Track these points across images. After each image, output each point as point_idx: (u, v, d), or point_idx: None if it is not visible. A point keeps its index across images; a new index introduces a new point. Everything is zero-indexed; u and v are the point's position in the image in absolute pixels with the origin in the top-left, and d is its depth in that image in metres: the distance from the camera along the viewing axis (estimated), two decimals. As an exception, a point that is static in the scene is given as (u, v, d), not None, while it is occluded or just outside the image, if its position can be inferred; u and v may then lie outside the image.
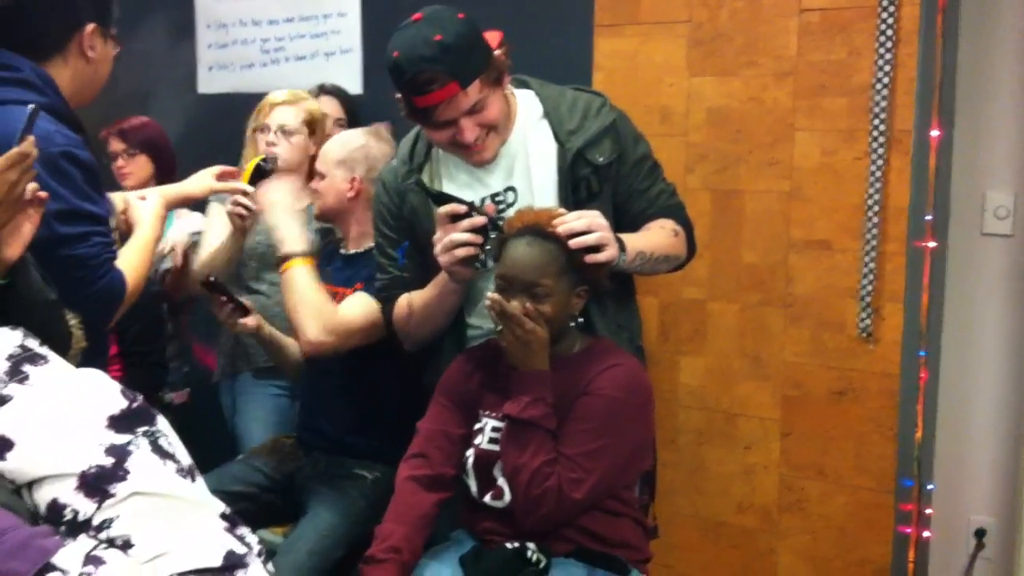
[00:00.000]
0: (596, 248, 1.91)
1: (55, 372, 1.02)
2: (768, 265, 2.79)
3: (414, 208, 2.15)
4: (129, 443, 0.98)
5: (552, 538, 1.96)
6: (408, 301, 2.18)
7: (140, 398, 1.02)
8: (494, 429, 2.00)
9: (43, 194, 1.54)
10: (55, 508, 0.95)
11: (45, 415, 0.98)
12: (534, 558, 1.93)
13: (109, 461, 0.97)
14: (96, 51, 2.04)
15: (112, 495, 0.95)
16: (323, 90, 3.27)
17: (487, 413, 2.03)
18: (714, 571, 2.93)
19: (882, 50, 2.59)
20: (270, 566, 0.98)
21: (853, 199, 2.67)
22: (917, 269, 2.65)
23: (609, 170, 2.11)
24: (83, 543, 0.92)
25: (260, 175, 2.53)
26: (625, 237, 1.99)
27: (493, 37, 2.02)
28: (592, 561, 1.96)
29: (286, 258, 2.31)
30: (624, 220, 2.13)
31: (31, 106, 1.55)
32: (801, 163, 2.72)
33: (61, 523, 0.94)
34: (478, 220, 1.97)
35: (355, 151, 2.49)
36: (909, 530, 2.72)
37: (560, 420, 1.93)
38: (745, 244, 2.81)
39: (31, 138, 1.48)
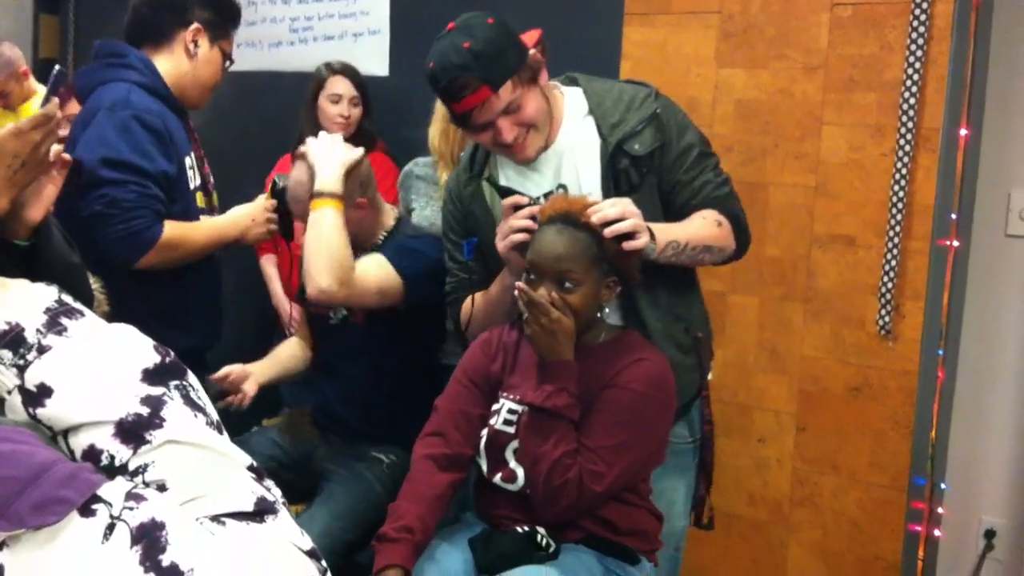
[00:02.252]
0: (630, 236, 1.92)
1: (91, 326, 1.06)
2: (791, 259, 2.79)
3: (475, 214, 2.20)
4: (163, 394, 1.03)
5: (565, 525, 1.96)
6: (471, 299, 2.22)
7: (172, 353, 1.06)
8: (510, 411, 2.00)
9: (67, 156, 1.55)
10: (92, 453, 0.99)
11: (83, 365, 1.02)
12: (544, 542, 1.93)
13: (145, 410, 1.01)
14: (199, 50, 2.45)
15: (148, 442, 0.99)
16: (332, 69, 3.27)
17: (506, 395, 2.04)
18: (724, 563, 2.94)
19: (914, 46, 2.58)
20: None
21: (878, 195, 2.66)
22: (939, 268, 2.64)
23: (650, 161, 2.09)
24: (123, 482, 0.97)
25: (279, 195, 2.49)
26: (656, 227, 1.98)
27: (531, 36, 2.05)
28: (603, 549, 1.97)
29: (318, 195, 2.26)
30: (670, 212, 2.12)
31: (56, 68, 1.58)
32: (828, 158, 2.71)
33: (98, 468, 0.98)
34: (535, 208, 2.01)
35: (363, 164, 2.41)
36: (920, 528, 2.72)
37: (583, 411, 1.92)
38: (768, 237, 2.80)
39: (55, 100, 1.49)
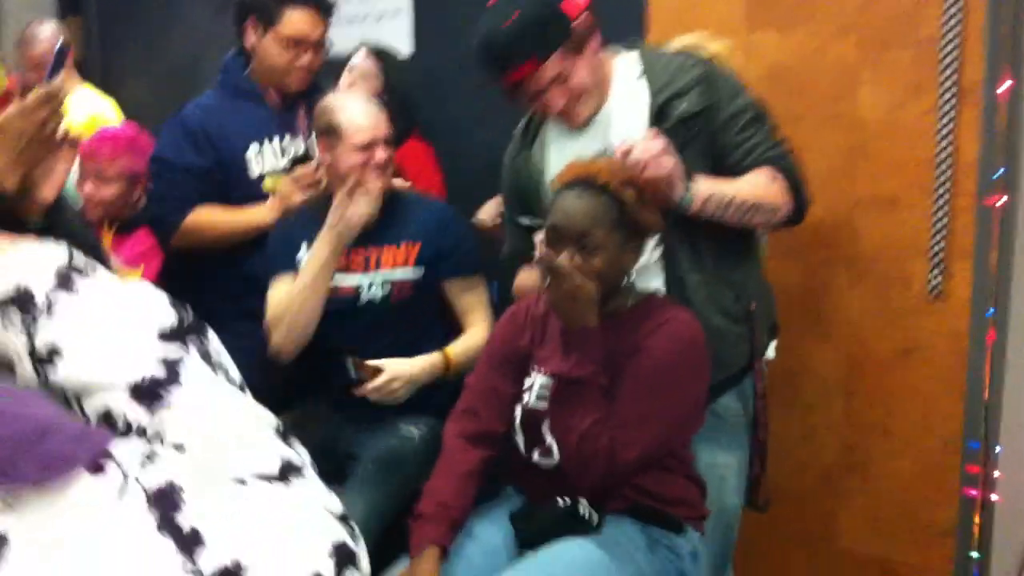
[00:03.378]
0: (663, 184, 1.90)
1: (104, 283, 1.02)
2: (832, 223, 2.73)
3: (526, 183, 2.23)
4: (181, 353, 0.99)
5: (606, 495, 1.93)
6: (530, 275, 2.26)
7: (190, 310, 1.02)
8: (542, 386, 1.98)
9: (76, 133, 1.56)
10: (108, 417, 0.96)
11: (95, 325, 0.98)
12: (586, 515, 1.92)
13: (161, 371, 0.97)
14: (253, 41, 2.71)
15: (165, 403, 0.96)
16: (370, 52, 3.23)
17: (537, 369, 2.02)
18: (772, 533, 2.90)
19: (950, -1, 2.50)
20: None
21: (920, 154, 2.59)
22: (986, 225, 2.57)
23: (697, 122, 2.06)
24: (139, 443, 0.94)
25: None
26: (700, 181, 1.95)
27: (576, 4, 2.03)
28: (647, 519, 1.95)
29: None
30: (720, 175, 2.08)
31: (60, 41, 1.63)
32: (866, 118, 2.65)
33: (115, 431, 0.95)
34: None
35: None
36: (975, 493, 2.65)
37: (611, 379, 1.89)
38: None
39: (60, 77, 1.49)
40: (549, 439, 1.95)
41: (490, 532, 1.97)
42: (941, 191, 2.58)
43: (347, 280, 2.44)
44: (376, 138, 2.41)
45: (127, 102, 3.84)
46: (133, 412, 0.95)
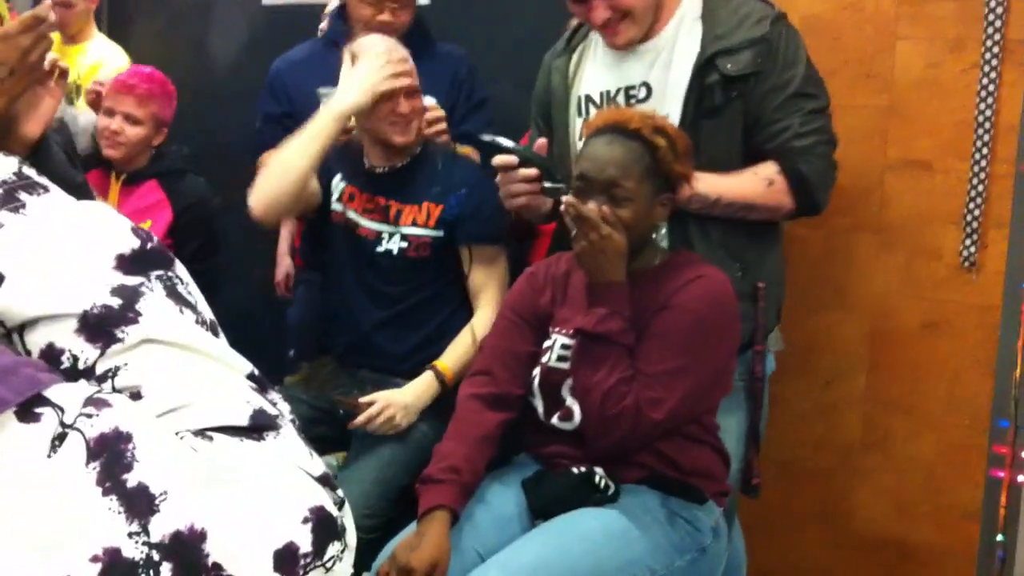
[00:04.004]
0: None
1: (56, 203, 0.85)
2: (861, 187, 2.60)
3: (552, 88, 2.15)
4: (141, 284, 0.82)
5: (624, 463, 1.83)
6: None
7: (156, 239, 0.85)
8: (564, 347, 1.87)
9: (64, 64, 1.44)
10: (51, 353, 0.79)
11: (43, 248, 0.80)
12: (602, 484, 1.81)
13: (116, 302, 0.79)
14: None
15: (119, 340, 0.79)
16: None
17: (558, 330, 1.90)
18: (787, 512, 2.78)
19: (997, -51, 2.37)
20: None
21: (959, 115, 2.45)
22: (1024, 194, 2.44)
23: (742, 85, 1.94)
24: (84, 385, 0.76)
25: None
26: (697, 176, 1.87)
27: None
28: (667, 489, 1.83)
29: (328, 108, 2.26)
30: (747, 151, 1.99)
31: None
32: (902, 76, 2.51)
33: (58, 371, 0.78)
34: (530, 173, 1.92)
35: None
36: (1003, 474, 2.54)
37: (638, 337, 1.79)
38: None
39: (48, 2, 1.37)
40: (570, 401, 1.85)
41: (503, 499, 1.86)
42: (978, 156, 2.46)
43: (368, 224, 2.37)
44: (407, 81, 2.27)
45: (133, 50, 3.70)
46: (80, 348, 0.78)
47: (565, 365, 1.85)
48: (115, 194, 2.80)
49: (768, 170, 1.97)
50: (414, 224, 2.34)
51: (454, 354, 2.29)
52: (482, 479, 1.86)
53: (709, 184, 1.91)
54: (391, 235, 2.35)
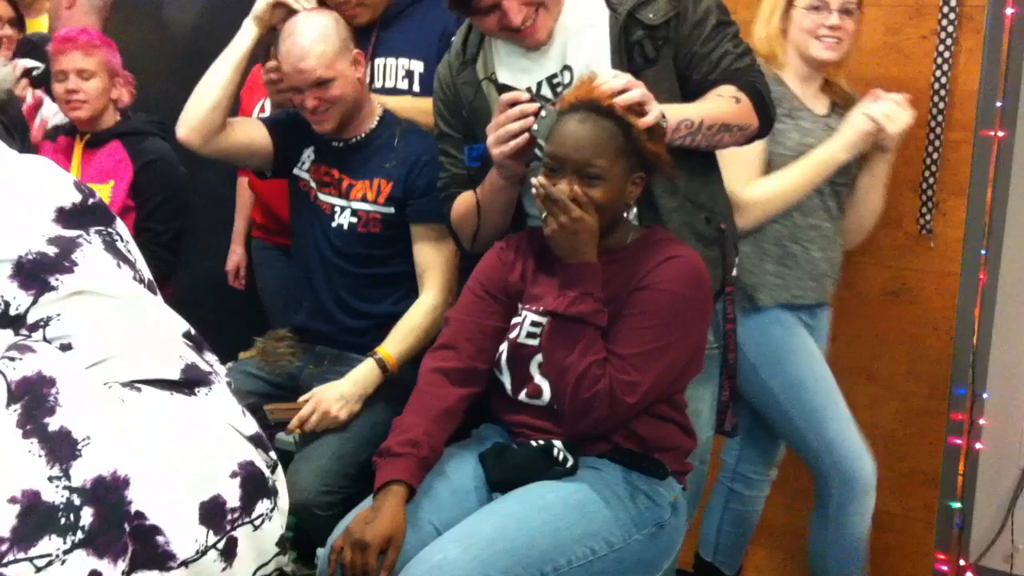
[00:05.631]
0: (642, 110, 1.73)
1: None
2: (820, 154, 2.59)
3: (470, 102, 2.01)
4: (79, 237, 0.80)
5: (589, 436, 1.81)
6: (468, 199, 2.03)
7: (97, 195, 0.83)
8: (533, 323, 1.84)
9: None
10: None
11: None
12: (560, 456, 1.79)
13: (52, 251, 0.78)
14: None
15: (53, 288, 0.77)
16: None
17: (529, 307, 1.87)
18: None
19: (955, -87, 2.35)
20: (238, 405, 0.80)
21: (918, 82, 2.46)
22: (983, 161, 2.44)
23: (666, 31, 1.90)
24: (8, 334, 0.74)
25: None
26: (667, 107, 1.80)
27: None
28: (629, 463, 1.82)
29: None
30: (687, 89, 1.94)
31: None
32: (862, 42, 2.49)
33: None
34: (529, 107, 1.81)
35: (339, 30, 2.26)
36: (960, 441, 2.56)
37: (611, 318, 1.76)
38: (795, 131, 2.60)
39: None
40: (538, 378, 1.82)
41: (461, 472, 1.83)
42: (934, 123, 2.46)
43: (325, 197, 2.36)
44: (309, 81, 2.23)
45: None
46: (13, 295, 0.76)
47: (534, 342, 1.83)
48: (78, 156, 2.75)
49: (728, 91, 1.93)
50: (364, 200, 2.31)
51: (396, 339, 2.25)
52: (441, 453, 1.84)
53: (688, 110, 1.87)
54: (343, 209, 2.33)
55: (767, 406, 2.37)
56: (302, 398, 2.21)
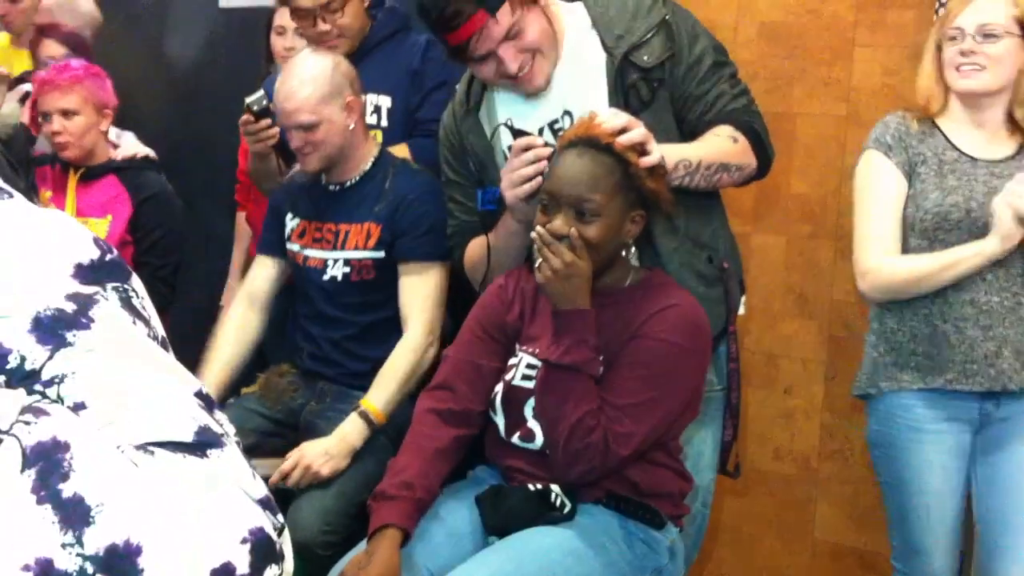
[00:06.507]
0: (644, 149, 1.72)
1: (17, 208, 0.83)
2: (820, 195, 2.61)
3: (475, 150, 2.03)
4: (96, 293, 0.80)
5: (582, 484, 1.79)
6: (480, 243, 2.04)
7: (115, 251, 0.84)
8: (529, 366, 1.82)
9: (3, 71, 1.38)
10: None
11: (0, 250, 0.79)
12: (558, 501, 1.77)
13: (70, 307, 0.78)
14: None
15: (69, 344, 0.77)
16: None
17: (525, 348, 1.85)
18: (748, 520, 2.78)
19: (954, -43, 2.35)
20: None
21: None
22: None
23: (661, 72, 1.91)
24: (21, 394, 0.74)
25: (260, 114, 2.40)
26: (665, 147, 1.80)
27: None
28: (625, 511, 1.80)
29: None
30: (684, 130, 1.94)
31: None
32: (861, 83, 2.51)
33: (2, 371, 0.75)
34: (543, 150, 1.81)
35: (333, 75, 2.24)
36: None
37: (607, 364, 1.73)
38: (795, 172, 2.62)
39: None
40: (531, 422, 1.81)
41: (457, 515, 1.81)
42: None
43: (315, 254, 2.35)
44: (292, 123, 2.25)
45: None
46: (29, 349, 0.76)
47: (529, 384, 1.81)
48: (72, 190, 2.73)
49: (726, 131, 1.93)
50: (356, 248, 2.30)
51: (379, 387, 2.22)
52: (436, 495, 1.82)
53: (686, 150, 1.87)
54: (335, 261, 2.32)
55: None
56: (289, 454, 2.17)
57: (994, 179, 2.02)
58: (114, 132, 2.97)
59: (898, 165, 2.06)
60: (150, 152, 2.89)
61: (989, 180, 2.03)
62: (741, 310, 2.10)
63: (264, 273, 2.43)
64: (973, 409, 2.06)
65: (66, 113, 2.66)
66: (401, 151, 2.41)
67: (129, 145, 2.91)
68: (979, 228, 2.00)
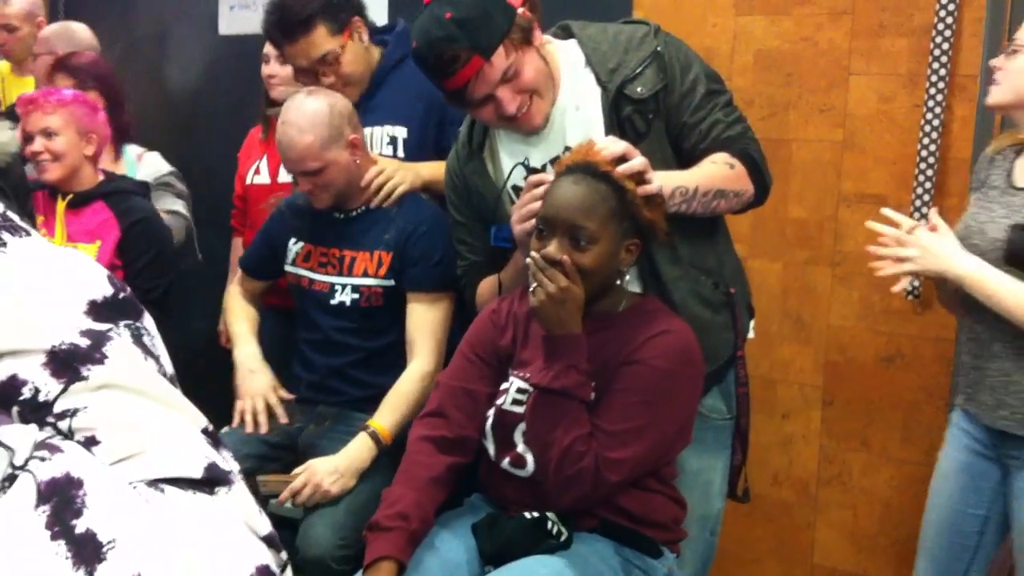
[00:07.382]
0: (643, 178, 1.73)
1: (36, 246, 0.85)
2: (816, 220, 2.61)
3: (479, 191, 2.04)
4: (109, 330, 0.82)
5: (577, 512, 1.78)
6: (492, 281, 2.06)
7: (128, 290, 0.86)
8: (519, 390, 1.82)
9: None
10: (12, 384, 0.78)
11: (17, 288, 0.80)
12: (555, 530, 1.76)
13: (85, 343, 0.80)
14: None
15: (83, 378, 0.78)
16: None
17: (517, 373, 1.85)
18: (747, 546, 2.77)
19: (948, -13, 2.37)
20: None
21: (911, 150, 2.47)
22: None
23: (655, 103, 1.91)
24: (34, 429, 0.75)
25: None
26: (661, 174, 1.80)
27: None
28: (620, 539, 1.80)
29: None
30: (680, 157, 1.94)
31: None
32: (856, 110, 2.53)
33: (16, 402, 0.77)
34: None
35: (331, 119, 2.24)
36: (957, 508, 2.53)
37: (599, 390, 1.74)
38: (792, 197, 2.62)
39: None
40: (522, 447, 1.80)
41: (452, 544, 1.80)
42: (921, 190, 2.46)
43: (322, 278, 2.36)
44: (298, 171, 2.27)
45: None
46: (44, 382, 0.77)
47: (519, 409, 1.81)
48: (61, 216, 2.71)
49: (722, 158, 1.93)
50: (365, 274, 2.31)
51: (388, 409, 2.23)
52: (432, 524, 1.82)
53: (683, 178, 1.86)
54: (343, 287, 2.33)
55: None
56: (296, 470, 2.18)
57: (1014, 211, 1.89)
58: (136, 151, 2.98)
59: (972, 192, 2.05)
60: (174, 170, 2.97)
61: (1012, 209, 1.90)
62: (751, 334, 2.10)
63: (250, 286, 2.55)
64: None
65: (47, 133, 2.64)
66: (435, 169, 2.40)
67: (152, 164, 2.97)
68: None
